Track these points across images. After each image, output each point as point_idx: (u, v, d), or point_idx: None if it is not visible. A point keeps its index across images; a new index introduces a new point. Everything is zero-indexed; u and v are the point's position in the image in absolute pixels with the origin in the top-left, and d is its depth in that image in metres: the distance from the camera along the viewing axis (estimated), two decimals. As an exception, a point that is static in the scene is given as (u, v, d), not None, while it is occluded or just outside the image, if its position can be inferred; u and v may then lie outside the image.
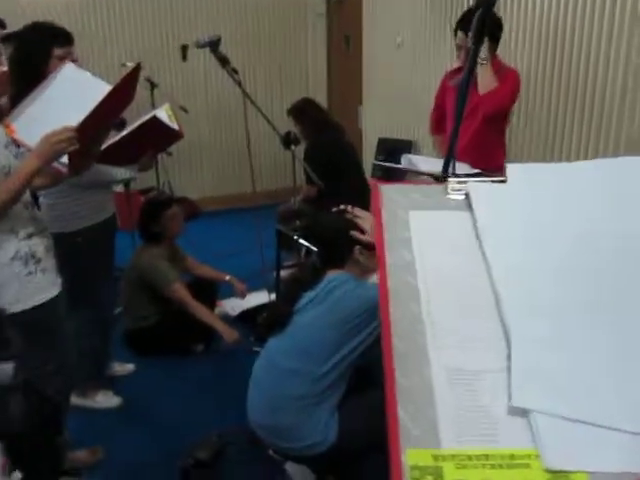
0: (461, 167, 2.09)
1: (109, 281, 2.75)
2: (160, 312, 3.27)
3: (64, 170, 1.95)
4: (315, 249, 2.25)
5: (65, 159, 1.87)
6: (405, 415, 0.66)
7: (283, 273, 3.42)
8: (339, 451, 1.90)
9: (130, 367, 3.16)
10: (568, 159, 3.34)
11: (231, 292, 3.59)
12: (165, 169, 5.10)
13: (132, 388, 2.99)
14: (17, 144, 1.91)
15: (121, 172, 2.58)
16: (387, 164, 3.77)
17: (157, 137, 2.48)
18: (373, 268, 2.07)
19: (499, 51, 2.84)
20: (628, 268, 0.80)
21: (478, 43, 1.34)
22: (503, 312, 0.76)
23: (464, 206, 0.88)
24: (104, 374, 2.92)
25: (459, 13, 3.14)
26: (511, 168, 0.90)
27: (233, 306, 3.68)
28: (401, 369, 0.70)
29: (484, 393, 0.70)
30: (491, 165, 2.65)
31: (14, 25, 2.84)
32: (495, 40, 2.74)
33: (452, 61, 3.95)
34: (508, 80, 2.72)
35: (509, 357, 0.72)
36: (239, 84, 2.88)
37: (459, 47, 2.76)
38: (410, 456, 0.63)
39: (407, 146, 4.87)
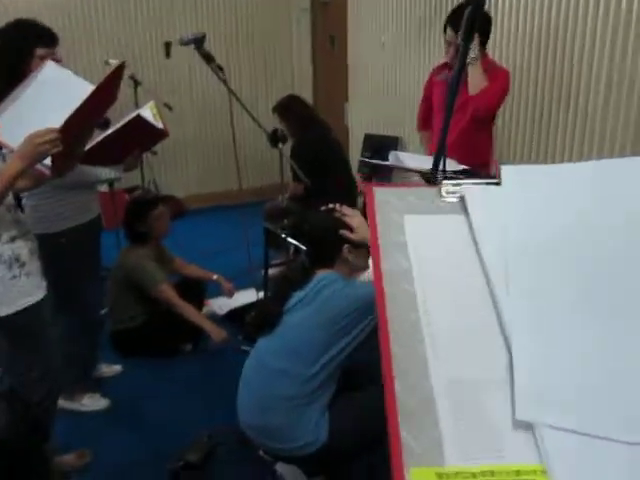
0: (448, 163, 2.09)
1: (95, 283, 2.71)
2: (147, 312, 3.23)
3: (47, 172, 1.91)
4: (304, 248, 2.24)
5: (48, 161, 1.83)
6: (407, 434, 0.64)
7: (272, 271, 3.41)
8: (330, 451, 1.89)
9: (117, 368, 3.13)
10: (553, 157, 3.37)
11: (219, 291, 3.57)
12: (150, 167, 5.06)
13: (120, 389, 2.96)
14: (-1, 145, 1.87)
15: (106, 172, 2.54)
16: (374, 161, 3.76)
17: (142, 136, 2.44)
18: (362, 266, 2.07)
19: (489, 52, 2.84)
20: (626, 269, 0.80)
21: (468, 42, 1.33)
22: (503, 322, 0.75)
23: (459, 209, 0.87)
24: (91, 377, 2.89)
25: (443, 12, 3.14)
26: (505, 170, 0.89)
27: (221, 305, 3.66)
28: (401, 383, 0.68)
29: (487, 406, 0.69)
30: (478, 161, 2.66)
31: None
32: (485, 35, 2.73)
33: (434, 59, 3.96)
34: (499, 79, 2.72)
35: (511, 366, 0.71)
36: (224, 82, 2.85)
37: (448, 43, 2.75)
38: (414, 475, 0.61)
39: (393, 142, 4.86)
